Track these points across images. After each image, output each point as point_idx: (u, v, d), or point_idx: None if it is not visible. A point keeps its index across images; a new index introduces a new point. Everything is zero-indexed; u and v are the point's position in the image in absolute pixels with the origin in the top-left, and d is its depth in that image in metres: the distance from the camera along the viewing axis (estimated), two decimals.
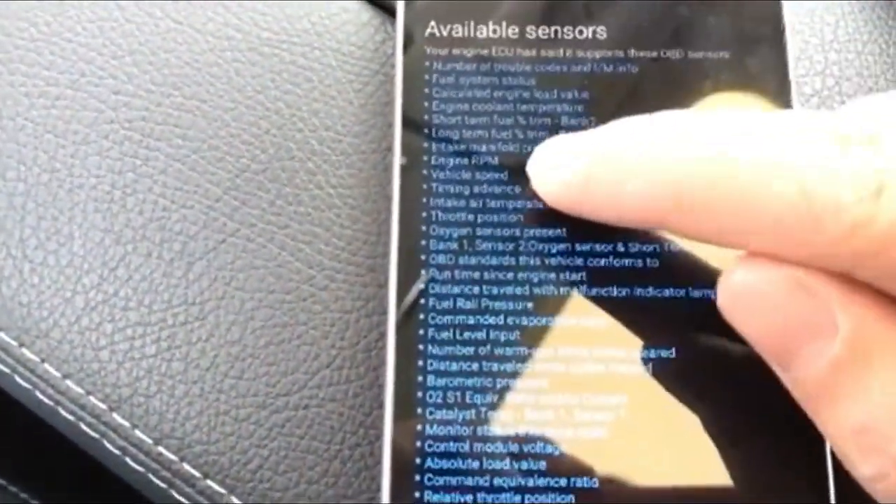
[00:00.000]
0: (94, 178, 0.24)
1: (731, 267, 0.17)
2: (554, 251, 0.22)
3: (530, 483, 0.21)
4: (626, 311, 0.22)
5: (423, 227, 0.22)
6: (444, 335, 0.21)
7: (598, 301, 0.22)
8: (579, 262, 0.22)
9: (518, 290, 0.22)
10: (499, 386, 0.21)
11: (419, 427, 0.21)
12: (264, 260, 0.24)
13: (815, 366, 0.16)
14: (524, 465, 0.21)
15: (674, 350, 0.21)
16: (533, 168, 0.21)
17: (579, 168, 0.19)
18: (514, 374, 0.21)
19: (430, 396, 0.21)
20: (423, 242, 0.22)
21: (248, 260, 0.24)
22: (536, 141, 0.23)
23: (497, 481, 0.21)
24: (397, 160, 0.23)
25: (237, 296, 0.24)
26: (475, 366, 0.21)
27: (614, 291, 0.22)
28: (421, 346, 0.21)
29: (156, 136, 0.25)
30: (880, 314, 0.15)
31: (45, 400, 0.24)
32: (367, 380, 0.23)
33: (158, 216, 0.24)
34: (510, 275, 0.22)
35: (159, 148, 0.25)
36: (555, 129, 0.23)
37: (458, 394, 0.21)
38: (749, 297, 0.17)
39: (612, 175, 0.18)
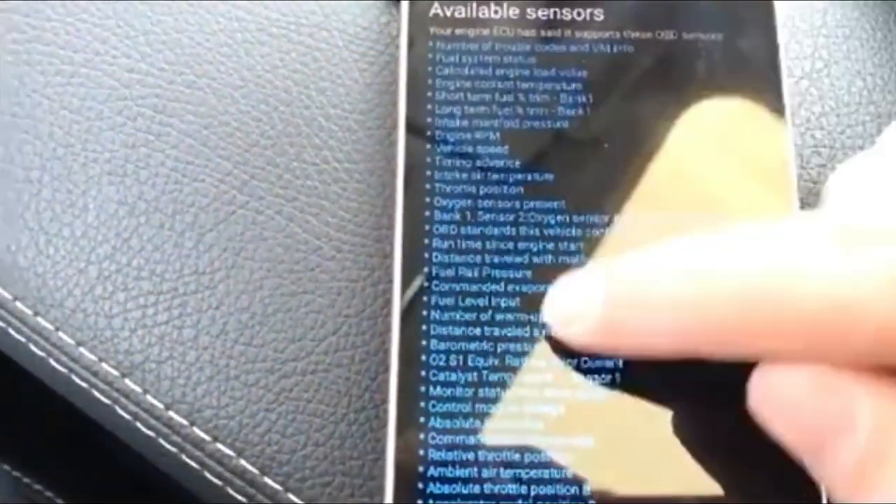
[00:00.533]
0: (108, 153, 0.25)
1: (759, 370, 0.18)
2: (553, 222, 0.23)
3: (531, 442, 0.21)
4: None
5: (427, 199, 0.23)
6: (447, 301, 0.22)
7: None
8: (578, 233, 0.23)
9: (519, 259, 0.23)
10: (501, 351, 0.22)
11: (423, 390, 0.22)
12: (273, 231, 0.25)
13: (842, 462, 0.16)
14: (524, 424, 0.22)
15: None
16: (551, 314, 0.21)
17: (601, 315, 0.19)
18: (516, 341, 0.22)
19: (434, 360, 0.22)
20: (427, 214, 0.23)
21: (257, 231, 0.25)
22: (537, 118, 0.24)
23: (500, 441, 0.21)
24: (401, 136, 0.24)
25: (247, 265, 0.24)
26: (478, 331, 0.22)
27: None
28: (425, 312, 0.22)
29: (168, 112, 0.25)
30: None
31: (59, 368, 0.25)
32: (372, 346, 0.24)
33: (170, 189, 0.25)
34: (512, 245, 0.23)
35: (171, 124, 0.25)
36: (554, 107, 0.24)
37: (461, 358, 0.22)
38: (776, 398, 0.17)
39: (637, 319, 0.18)
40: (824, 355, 0.17)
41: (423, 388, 0.22)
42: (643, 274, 0.18)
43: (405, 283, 0.22)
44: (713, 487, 0.21)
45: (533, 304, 0.22)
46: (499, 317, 0.22)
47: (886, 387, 0.16)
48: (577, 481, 0.21)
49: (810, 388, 0.17)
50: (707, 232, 0.18)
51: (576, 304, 0.20)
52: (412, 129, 0.24)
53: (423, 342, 0.22)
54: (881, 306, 0.16)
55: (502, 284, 0.23)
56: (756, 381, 0.18)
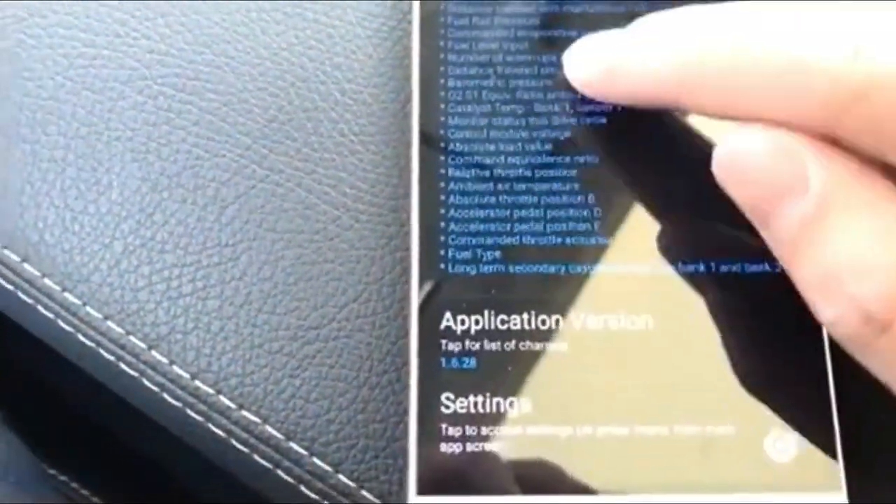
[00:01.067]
0: (131, 131, 0.26)
1: (724, 135, 0.19)
2: (573, 177, 0.23)
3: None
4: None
5: (443, 170, 0.24)
6: (464, 255, 0.23)
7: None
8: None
9: (536, 213, 0.23)
10: (519, 308, 0.23)
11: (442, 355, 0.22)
12: (293, 203, 0.25)
13: (788, 221, 0.18)
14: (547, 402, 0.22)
15: None
16: (567, 61, 0.23)
17: (605, 60, 0.22)
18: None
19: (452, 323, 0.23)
20: (443, 184, 0.24)
21: (277, 203, 0.25)
22: (547, 77, 0.24)
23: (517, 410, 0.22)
24: (416, 108, 0.24)
25: (268, 237, 0.25)
26: (494, 292, 0.23)
27: None
28: (443, 266, 0.23)
29: (188, 90, 0.26)
30: (850, 171, 0.17)
31: (87, 342, 0.25)
32: (391, 312, 0.24)
33: (192, 164, 0.26)
34: (528, 199, 0.23)
35: (191, 102, 0.26)
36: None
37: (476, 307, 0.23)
38: (737, 161, 0.19)
39: (633, 65, 0.21)
40: (782, 115, 0.18)
41: (442, 350, 0.22)
42: (644, 32, 0.21)
43: (423, 252, 0.23)
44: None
45: (551, 255, 0.23)
46: (517, 272, 0.23)
47: (837, 154, 0.18)
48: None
49: (766, 150, 0.18)
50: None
51: (590, 52, 0.23)
52: (425, 100, 0.24)
53: (442, 307, 0.23)
54: (836, 63, 0.17)
55: (518, 238, 0.23)
56: (719, 146, 0.19)
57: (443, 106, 0.24)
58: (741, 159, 0.19)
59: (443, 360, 0.22)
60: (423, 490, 0.22)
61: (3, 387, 0.34)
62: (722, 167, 0.19)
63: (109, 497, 0.38)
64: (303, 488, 0.24)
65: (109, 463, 0.39)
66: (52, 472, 0.39)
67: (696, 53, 0.19)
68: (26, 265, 0.26)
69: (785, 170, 0.18)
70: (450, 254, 0.23)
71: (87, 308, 0.25)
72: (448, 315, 0.23)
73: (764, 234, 0.19)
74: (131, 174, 0.26)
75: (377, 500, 0.23)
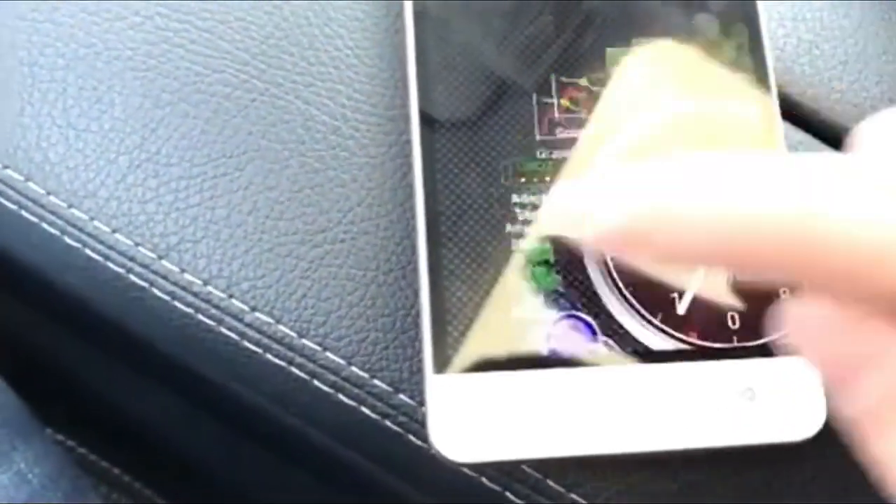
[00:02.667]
0: (130, 50, 0.27)
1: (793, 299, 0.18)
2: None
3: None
4: None
5: (437, 80, 0.25)
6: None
7: None
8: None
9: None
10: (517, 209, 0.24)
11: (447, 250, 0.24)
12: (293, 115, 0.26)
13: (866, 395, 0.17)
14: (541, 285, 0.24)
15: None
16: (559, 212, 0.18)
17: (621, 225, 0.17)
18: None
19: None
20: (439, 92, 0.25)
21: (278, 115, 0.26)
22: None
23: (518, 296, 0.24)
24: (409, 20, 0.26)
25: (271, 147, 0.26)
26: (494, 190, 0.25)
27: None
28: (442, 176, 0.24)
29: (184, 10, 0.27)
30: None
31: (94, 256, 0.26)
32: (395, 214, 0.26)
33: (193, 80, 0.27)
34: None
35: (188, 21, 0.27)
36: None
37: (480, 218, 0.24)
38: (809, 327, 0.18)
39: (661, 235, 0.17)
40: (858, 298, 0.17)
41: (447, 247, 0.24)
42: (670, 190, 0.17)
43: (425, 153, 0.25)
44: None
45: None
46: (513, 173, 0.25)
47: None
48: None
49: (843, 323, 0.17)
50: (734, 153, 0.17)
51: (589, 207, 0.17)
52: (419, 13, 0.26)
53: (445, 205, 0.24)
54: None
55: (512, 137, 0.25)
56: (789, 308, 0.18)
57: (435, 15, 0.26)
58: (815, 326, 0.18)
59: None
60: (439, 368, 0.23)
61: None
62: (791, 329, 0.18)
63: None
64: (316, 382, 0.25)
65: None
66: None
67: (749, 231, 0.16)
68: (30, 184, 0.26)
69: (862, 344, 0.17)
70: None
71: (95, 222, 0.26)
72: None
73: (839, 404, 0.18)
74: (133, 91, 0.26)
75: (389, 387, 0.25)
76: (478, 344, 0.24)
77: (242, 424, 0.30)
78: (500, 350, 0.23)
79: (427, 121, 0.25)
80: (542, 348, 0.24)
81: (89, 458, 0.42)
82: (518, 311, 0.24)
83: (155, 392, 0.34)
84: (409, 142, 0.25)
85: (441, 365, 0.23)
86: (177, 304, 0.26)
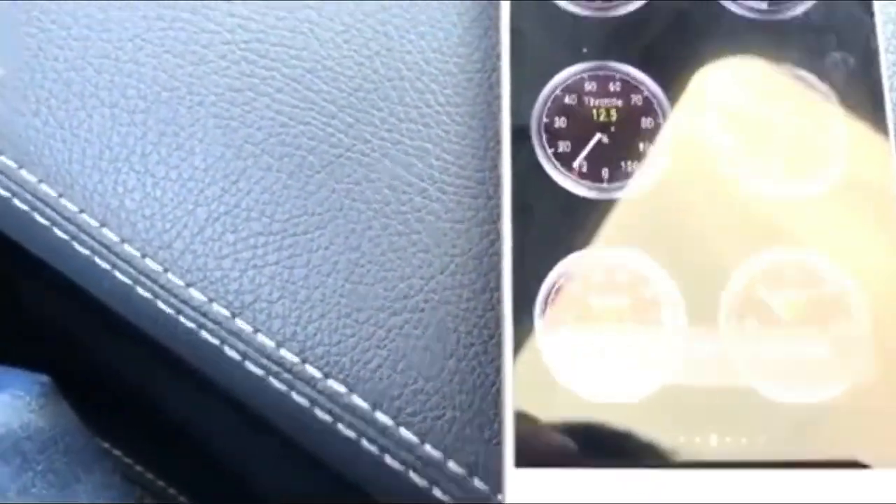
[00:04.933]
0: (214, 96, 0.26)
1: None
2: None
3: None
4: None
5: (533, 143, 0.24)
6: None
7: None
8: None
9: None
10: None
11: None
12: (379, 173, 0.25)
13: None
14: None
15: None
16: None
17: None
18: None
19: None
20: (532, 157, 0.24)
21: (363, 173, 0.25)
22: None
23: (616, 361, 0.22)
24: (506, 77, 0.24)
25: (355, 207, 0.25)
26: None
27: None
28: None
29: (271, 56, 0.26)
30: None
31: (166, 309, 0.25)
32: (479, 284, 0.25)
33: (277, 132, 0.25)
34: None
35: (275, 68, 0.26)
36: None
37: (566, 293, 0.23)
38: None
39: None
40: None
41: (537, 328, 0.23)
42: None
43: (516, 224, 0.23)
44: None
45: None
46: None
47: None
48: None
49: None
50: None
51: None
52: (515, 69, 0.24)
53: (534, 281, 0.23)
54: None
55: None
56: None
57: (532, 77, 0.24)
58: None
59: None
60: (521, 462, 0.22)
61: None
62: None
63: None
64: (388, 458, 0.24)
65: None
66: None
67: None
68: (105, 230, 0.25)
69: None
70: None
71: (169, 275, 0.25)
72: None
73: None
74: (215, 140, 0.26)
75: (463, 471, 0.24)
76: (564, 435, 0.22)
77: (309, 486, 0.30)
78: (588, 443, 0.22)
79: None
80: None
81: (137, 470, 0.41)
82: None
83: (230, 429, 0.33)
84: (499, 207, 0.24)
85: (523, 457, 0.22)
86: (248, 364, 0.25)
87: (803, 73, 0.25)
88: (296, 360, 0.25)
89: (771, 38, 0.25)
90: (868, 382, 0.23)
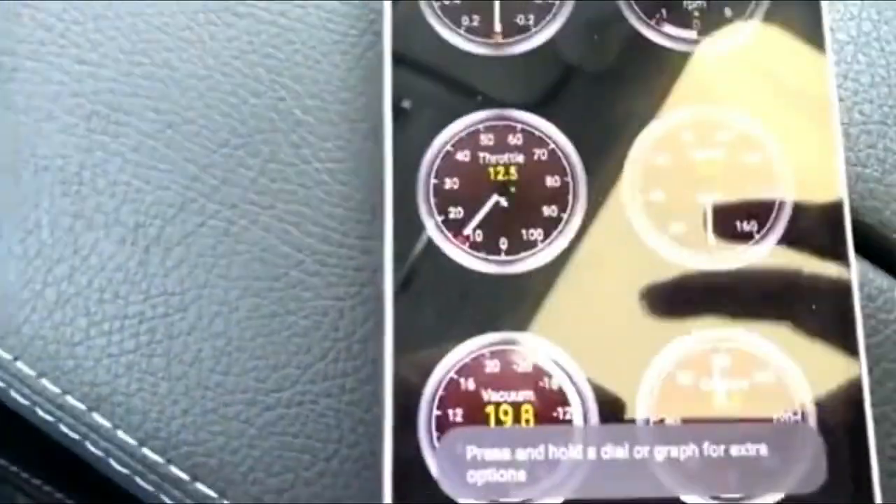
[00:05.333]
0: (61, 159, 0.23)
1: None
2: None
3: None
4: None
5: (421, 202, 0.20)
6: None
7: None
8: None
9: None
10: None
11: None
12: (248, 244, 0.22)
13: None
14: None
15: None
16: None
17: None
18: None
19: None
20: (420, 220, 0.20)
21: (230, 245, 0.22)
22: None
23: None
24: (388, 131, 0.21)
25: (220, 284, 0.22)
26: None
27: None
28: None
29: (125, 109, 0.23)
30: None
31: (21, 399, 0.22)
32: (364, 373, 0.21)
33: (132, 198, 0.22)
34: None
35: (129, 123, 0.23)
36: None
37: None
38: None
39: None
40: None
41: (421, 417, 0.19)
42: None
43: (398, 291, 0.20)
44: None
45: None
46: None
47: None
48: None
49: None
50: None
51: None
52: (401, 118, 0.21)
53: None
54: None
55: None
56: None
57: (421, 123, 0.21)
58: None
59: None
60: None
61: None
62: None
63: None
64: None
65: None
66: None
67: None
68: None
69: None
70: None
71: (19, 364, 0.22)
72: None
73: None
74: (63, 210, 0.22)
75: None
76: None
77: None
78: None
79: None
80: None
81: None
82: None
83: None
84: (384, 282, 0.21)
85: None
86: (112, 462, 0.22)
87: (743, 116, 0.21)
88: (160, 460, 0.22)
89: (702, 74, 0.21)
90: (815, 489, 0.19)
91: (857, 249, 0.22)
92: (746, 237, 0.21)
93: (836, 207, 0.21)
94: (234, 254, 0.22)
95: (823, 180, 0.21)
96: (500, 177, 0.21)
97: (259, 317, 0.22)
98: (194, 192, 0.22)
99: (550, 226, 0.21)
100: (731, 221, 0.21)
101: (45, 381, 0.22)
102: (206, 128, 0.22)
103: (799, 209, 0.21)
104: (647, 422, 0.20)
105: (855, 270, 0.20)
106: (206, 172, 0.22)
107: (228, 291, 0.22)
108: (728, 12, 0.22)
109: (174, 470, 0.22)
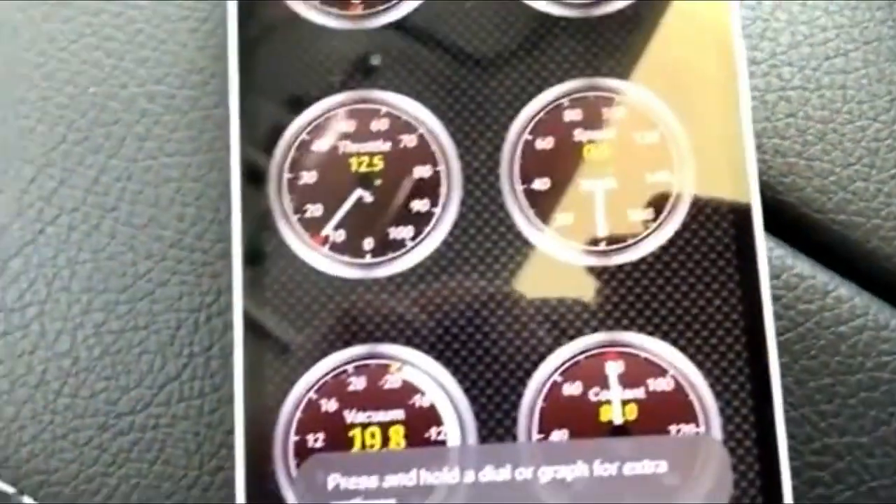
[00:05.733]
0: None
1: None
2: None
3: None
4: None
5: (272, 204, 0.18)
6: None
7: None
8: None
9: None
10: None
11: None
12: (91, 252, 0.20)
13: None
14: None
15: None
16: None
17: None
18: None
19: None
20: (275, 215, 0.18)
21: (71, 253, 0.20)
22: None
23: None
24: (235, 117, 0.18)
25: (62, 298, 0.20)
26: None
27: None
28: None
29: None
30: None
31: None
32: (224, 391, 0.19)
33: None
34: None
35: None
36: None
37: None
38: None
39: None
40: None
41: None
42: None
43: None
44: None
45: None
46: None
47: None
48: None
49: None
50: None
51: None
52: (250, 104, 0.18)
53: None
54: None
55: None
56: None
57: (271, 111, 0.18)
58: None
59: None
60: None
61: None
62: None
63: None
64: None
65: None
66: None
67: None
68: None
69: None
70: None
71: None
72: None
73: None
74: None
75: None
76: None
77: None
78: None
79: None
80: None
81: None
82: None
83: None
84: (233, 291, 0.18)
85: None
86: None
87: (637, 90, 0.19)
88: (11, 490, 0.20)
89: (590, 44, 0.19)
90: None
91: (775, 232, 0.20)
92: (641, 228, 0.18)
93: (742, 192, 0.18)
94: (76, 263, 0.20)
95: (729, 162, 0.18)
96: (363, 168, 0.18)
97: (106, 333, 0.19)
98: (31, 195, 0.20)
99: (421, 222, 0.18)
100: (624, 210, 0.18)
101: None
102: (42, 122, 0.20)
103: (700, 197, 0.18)
104: (529, 439, 0.18)
105: (764, 262, 0.18)
106: (42, 173, 0.20)
107: (72, 306, 0.20)
108: None
109: (26, 500, 0.20)
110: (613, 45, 0.19)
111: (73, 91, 0.20)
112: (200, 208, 0.20)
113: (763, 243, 0.18)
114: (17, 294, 0.20)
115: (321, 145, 0.19)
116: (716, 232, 0.18)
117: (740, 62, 0.19)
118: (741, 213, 0.18)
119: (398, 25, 0.19)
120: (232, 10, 0.19)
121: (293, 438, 0.18)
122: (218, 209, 0.20)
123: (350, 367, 0.18)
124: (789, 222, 0.20)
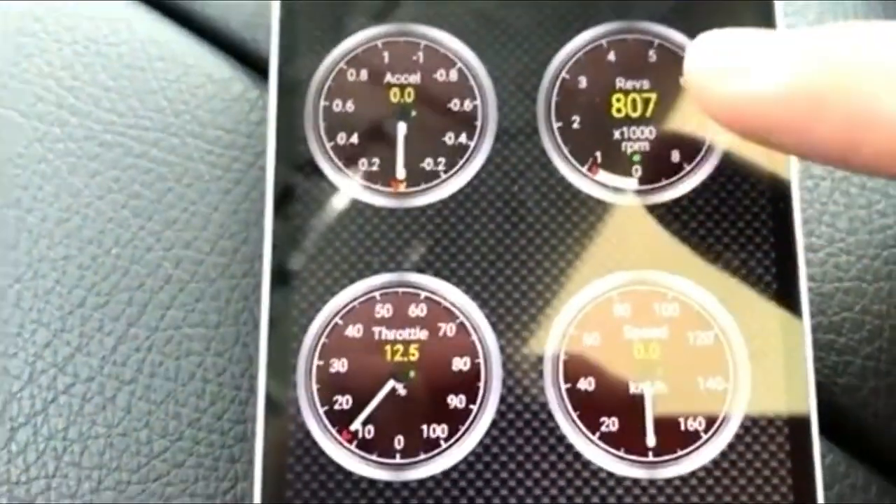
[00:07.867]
0: None
1: None
2: None
3: None
4: None
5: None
6: None
7: None
8: None
9: None
10: None
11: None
12: (105, 426, 0.19)
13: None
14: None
15: None
16: (699, 63, 0.16)
17: (795, 76, 0.14)
18: None
19: None
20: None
21: (84, 427, 0.19)
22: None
23: None
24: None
25: (71, 473, 0.19)
26: None
27: None
28: None
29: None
30: None
31: None
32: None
33: None
34: None
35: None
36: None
37: None
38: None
39: (849, 93, 0.14)
40: None
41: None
42: (860, 53, 0.14)
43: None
44: None
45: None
46: None
47: None
48: None
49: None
50: None
51: (749, 60, 0.15)
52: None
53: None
54: None
55: None
56: None
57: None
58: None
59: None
60: None
61: None
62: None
63: None
64: None
65: None
66: None
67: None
68: None
69: None
70: None
71: None
72: None
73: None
74: None
75: None
76: None
77: None
78: None
79: None
80: None
81: None
82: None
83: None
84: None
85: None
86: None
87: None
88: None
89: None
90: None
91: (830, 436, 0.19)
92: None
93: (800, 401, 0.17)
94: (88, 438, 0.18)
95: (786, 366, 0.17)
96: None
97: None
98: (45, 361, 0.19)
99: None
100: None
101: None
102: (61, 283, 0.19)
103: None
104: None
105: (819, 466, 0.17)
106: (58, 338, 0.19)
107: (81, 483, 0.18)
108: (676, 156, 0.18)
109: None
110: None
111: (95, 251, 0.19)
112: (222, 385, 0.19)
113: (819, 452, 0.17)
114: (23, 467, 0.18)
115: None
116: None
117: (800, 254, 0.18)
118: (798, 422, 0.17)
119: (442, 203, 0.18)
120: (269, 175, 0.18)
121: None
122: (239, 387, 0.18)
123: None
124: (849, 430, 0.19)
